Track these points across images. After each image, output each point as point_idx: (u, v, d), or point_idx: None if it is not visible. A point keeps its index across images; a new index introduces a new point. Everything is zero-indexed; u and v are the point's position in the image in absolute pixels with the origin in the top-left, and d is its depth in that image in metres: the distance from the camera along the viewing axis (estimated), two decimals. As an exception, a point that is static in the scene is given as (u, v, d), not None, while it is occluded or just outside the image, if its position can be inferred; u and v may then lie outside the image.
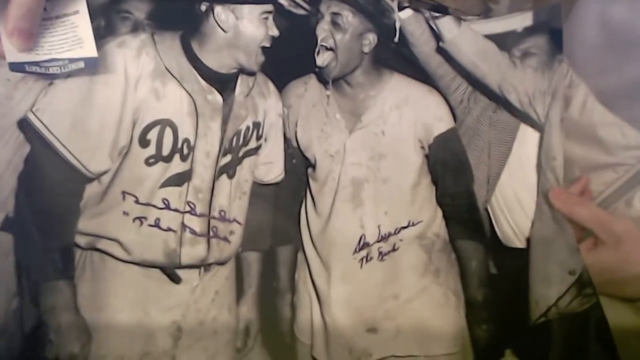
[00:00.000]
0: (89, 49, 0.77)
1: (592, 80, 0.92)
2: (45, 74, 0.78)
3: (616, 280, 0.82)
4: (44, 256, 0.85)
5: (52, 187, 0.86)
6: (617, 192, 0.90)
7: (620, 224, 0.82)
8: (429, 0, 0.95)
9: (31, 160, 0.86)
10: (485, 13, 1.04)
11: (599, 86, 0.92)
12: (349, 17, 0.95)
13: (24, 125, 0.85)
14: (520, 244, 0.96)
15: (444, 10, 0.93)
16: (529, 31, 0.97)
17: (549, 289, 0.90)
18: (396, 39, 0.96)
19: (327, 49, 0.96)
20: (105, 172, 0.88)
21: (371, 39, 0.97)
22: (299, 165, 1.03)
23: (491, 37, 0.97)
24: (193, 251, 0.92)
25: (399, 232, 0.98)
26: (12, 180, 0.85)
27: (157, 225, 0.90)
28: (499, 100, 0.98)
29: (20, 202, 0.85)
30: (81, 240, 0.89)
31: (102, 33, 0.87)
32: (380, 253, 0.98)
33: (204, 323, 0.95)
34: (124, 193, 0.88)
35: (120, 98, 0.87)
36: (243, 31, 0.91)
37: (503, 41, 0.97)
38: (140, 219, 0.89)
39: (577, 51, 0.94)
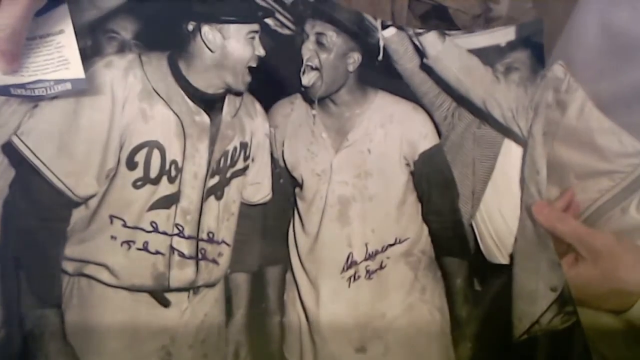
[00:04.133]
0: (76, 70, 0.75)
1: (590, 85, 0.91)
2: (31, 96, 0.76)
3: (597, 294, 0.82)
4: (30, 283, 0.83)
5: (38, 213, 0.84)
6: (613, 200, 0.89)
7: (601, 240, 0.82)
8: (429, 1, 0.94)
9: (16, 185, 0.83)
10: (486, 13, 1.03)
11: (598, 91, 0.90)
12: (333, 37, 0.94)
13: (8, 149, 0.82)
14: (503, 260, 0.96)
15: (444, 10, 0.92)
16: (511, 46, 0.97)
17: (531, 306, 0.90)
18: (380, 57, 0.95)
19: (312, 68, 0.95)
20: (92, 196, 0.86)
21: (355, 57, 0.96)
22: (287, 185, 1.02)
23: (475, 52, 0.96)
24: (182, 274, 0.90)
25: (386, 249, 0.97)
26: (-3, 205, 0.83)
27: (145, 248, 0.88)
28: (483, 116, 0.97)
29: (5, 229, 0.82)
30: (68, 266, 0.87)
31: (89, 53, 0.84)
32: (367, 272, 0.97)
33: (193, 346, 0.93)
34: (111, 217, 0.86)
35: (107, 120, 0.84)
36: (230, 51, 0.90)
37: (486, 56, 0.97)
38: (129, 242, 0.87)
39: (577, 55, 0.93)
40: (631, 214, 0.87)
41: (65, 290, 0.87)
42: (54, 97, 0.81)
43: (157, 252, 0.88)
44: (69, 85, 0.76)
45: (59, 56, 0.75)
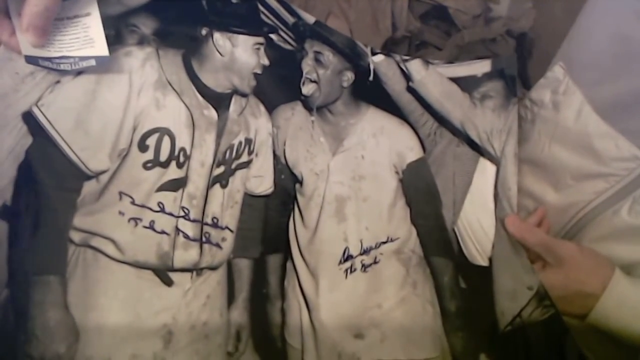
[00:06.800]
0: (101, 48, 0.77)
1: (591, 88, 0.91)
2: (57, 70, 0.77)
3: (562, 296, 0.86)
4: (36, 248, 0.80)
5: (50, 181, 0.83)
6: (606, 202, 0.90)
7: (565, 248, 0.87)
8: (429, 1, 0.98)
9: (32, 152, 0.83)
10: (486, 13, 1.08)
11: (598, 95, 0.90)
12: (329, 56, 1.01)
13: (28, 118, 0.82)
14: (483, 262, 1.00)
15: (444, 10, 0.96)
16: (487, 76, 1.04)
17: (511, 302, 0.93)
18: (371, 78, 1.02)
19: (311, 81, 1.01)
20: (104, 172, 0.86)
21: (349, 76, 1.03)
22: (287, 180, 1.05)
23: (454, 80, 1.04)
24: (186, 255, 0.90)
25: (379, 246, 1.00)
26: (12, 169, 0.81)
27: (151, 227, 0.87)
28: (461, 136, 1.04)
29: (18, 192, 0.81)
30: (75, 236, 0.85)
31: (111, 42, 0.83)
32: (363, 265, 0.99)
33: (195, 327, 0.91)
34: (120, 193, 0.86)
35: (123, 103, 0.86)
36: (238, 57, 0.94)
37: (465, 84, 1.04)
38: (135, 219, 0.86)
39: (580, 58, 0.94)
40: (622, 217, 0.87)
41: (71, 260, 0.85)
42: (77, 75, 0.82)
43: (163, 232, 0.88)
44: (93, 62, 0.77)
45: (85, 36, 0.77)
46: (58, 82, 0.83)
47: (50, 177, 0.83)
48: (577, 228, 0.94)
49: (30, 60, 0.76)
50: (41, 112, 0.81)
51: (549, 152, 0.97)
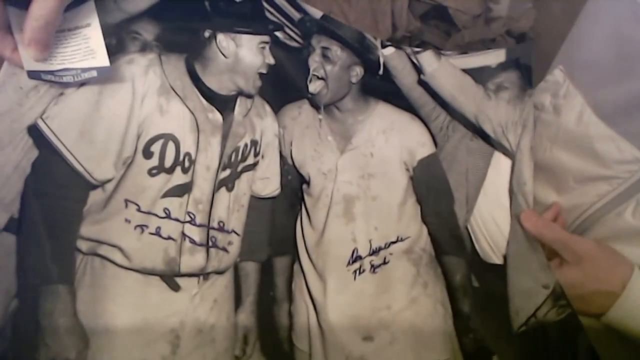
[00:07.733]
0: (102, 59, 0.78)
1: (592, 91, 0.91)
2: (60, 83, 0.79)
3: (580, 295, 0.85)
4: (45, 259, 0.82)
5: (57, 192, 0.84)
6: (609, 204, 0.89)
7: (582, 245, 0.85)
8: (429, 1, 0.97)
9: (38, 165, 0.84)
10: (486, 13, 1.06)
11: (599, 98, 0.90)
12: (337, 51, 0.99)
13: (34, 131, 0.84)
14: (498, 260, 0.98)
15: (444, 10, 0.95)
16: (502, 67, 1.02)
17: (526, 302, 0.92)
18: (380, 72, 1.00)
19: (318, 78, 1.00)
20: (109, 180, 0.87)
21: (358, 71, 1.01)
22: (294, 181, 1.04)
23: (467, 72, 1.01)
24: (192, 260, 0.91)
25: (388, 246, 0.99)
26: (20, 182, 0.83)
27: (157, 233, 0.88)
28: (475, 130, 1.02)
29: (25, 205, 0.83)
30: (83, 245, 0.87)
31: (113, 50, 0.85)
32: (372, 266, 0.98)
33: (202, 331, 0.92)
34: (126, 201, 0.87)
35: (126, 111, 0.86)
36: (242, 58, 0.94)
37: (479, 75, 1.01)
38: (142, 226, 0.87)
39: (580, 61, 0.94)
40: (626, 219, 0.87)
41: (79, 268, 0.87)
42: (80, 86, 0.83)
43: (169, 238, 0.89)
44: (94, 73, 0.78)
45: (86, 47, 0.77)
46: (62, 94, 0.84)
47: (56, 188, 0.84)
48: (580, 230, 0.94)
49: (33, 75, 0.77)
50: (46, 124, 0.83)
51: (551, 156, 0.96)
